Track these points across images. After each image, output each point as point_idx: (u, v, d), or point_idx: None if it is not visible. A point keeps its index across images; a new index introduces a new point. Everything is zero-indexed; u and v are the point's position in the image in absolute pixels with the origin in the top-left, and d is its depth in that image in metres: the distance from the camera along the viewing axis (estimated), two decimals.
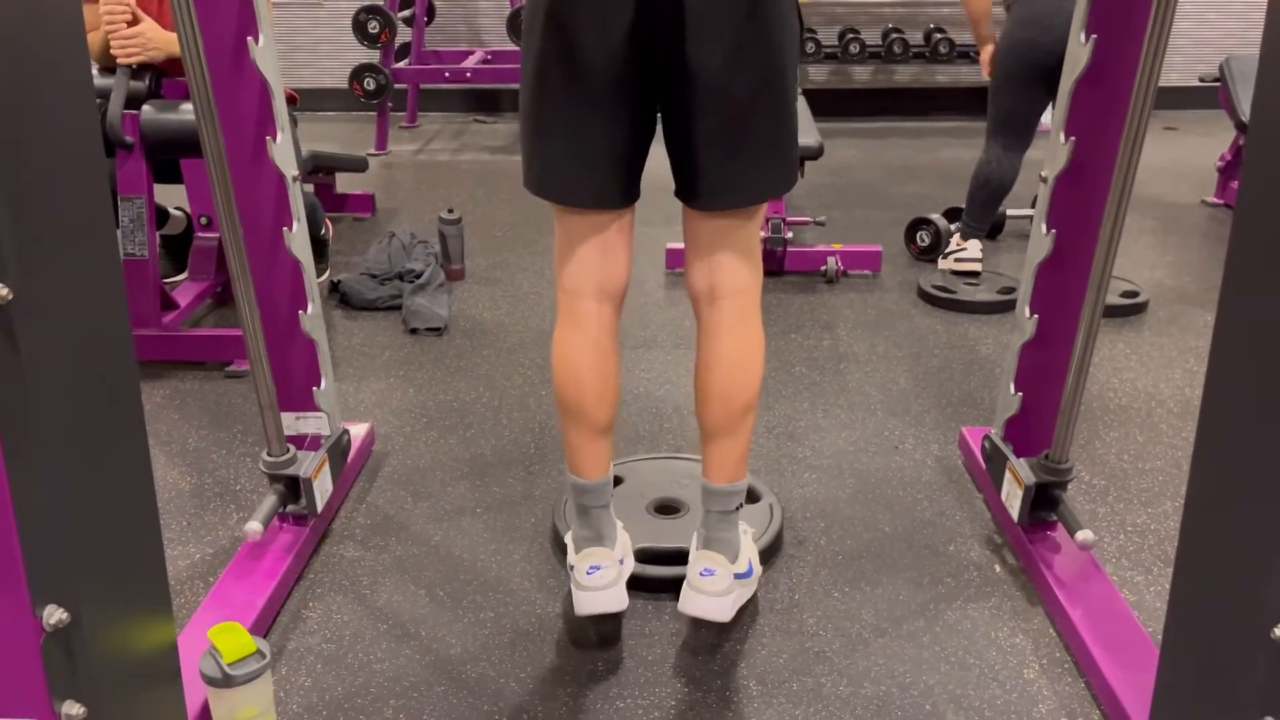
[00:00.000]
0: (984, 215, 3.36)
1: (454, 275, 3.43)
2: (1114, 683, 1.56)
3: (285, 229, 1.87)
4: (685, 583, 1.65)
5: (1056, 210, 1.83)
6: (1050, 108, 3.87)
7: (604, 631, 1.76)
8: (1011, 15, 3.13)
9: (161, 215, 3.22)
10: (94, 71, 2.74)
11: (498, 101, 6.18)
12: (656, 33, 1.41)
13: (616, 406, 1.68)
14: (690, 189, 1.55)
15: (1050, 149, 1.81)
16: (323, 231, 3.47)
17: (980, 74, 3.40)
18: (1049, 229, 1.84)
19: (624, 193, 1.57)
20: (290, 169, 1.84)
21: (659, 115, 1.54)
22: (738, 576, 1.66)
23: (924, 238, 3.58)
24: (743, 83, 1.44)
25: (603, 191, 1.55)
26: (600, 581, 1.63)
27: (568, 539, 1.75)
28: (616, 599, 1.65)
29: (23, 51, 1.03)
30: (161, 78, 2.72)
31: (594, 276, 1.60)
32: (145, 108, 2.64)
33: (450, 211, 3.42)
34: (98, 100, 2.53)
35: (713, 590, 1.62)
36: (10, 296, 1.01)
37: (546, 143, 1.53)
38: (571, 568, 1.68)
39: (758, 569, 1.80)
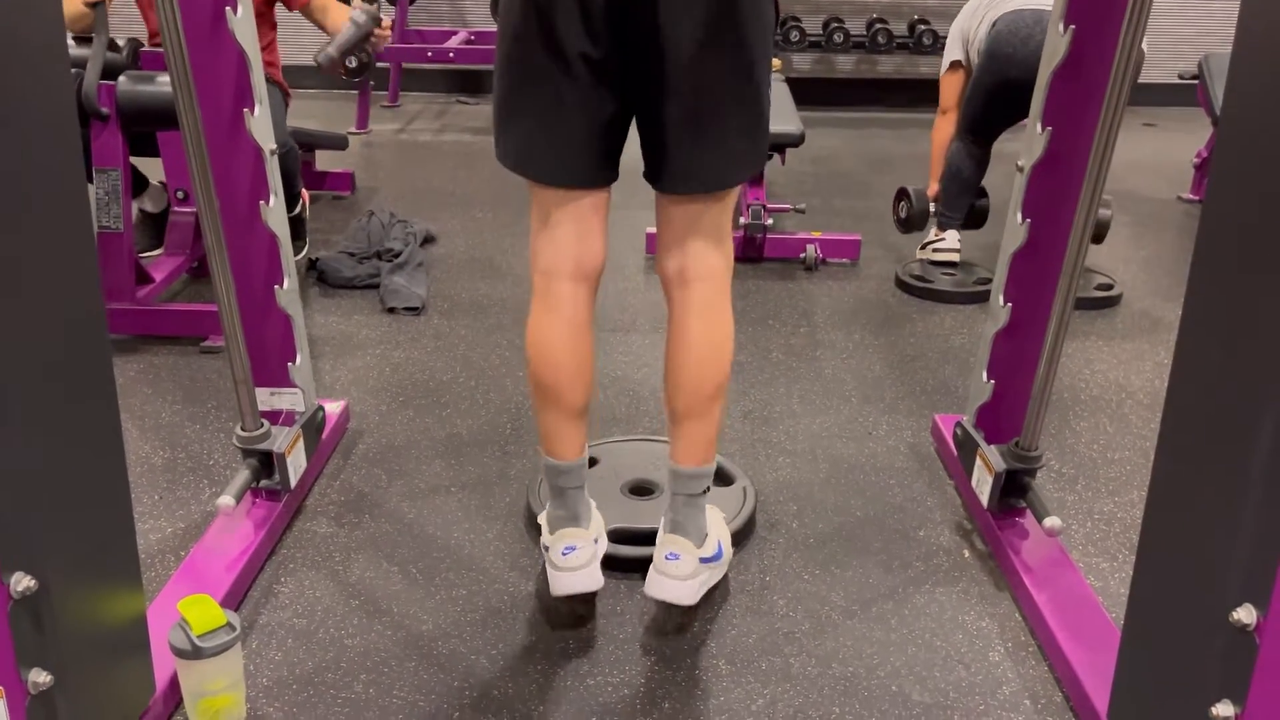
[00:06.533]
0: (958, 205, 3.37)
1: (333, 68, 3.01)
2: (1077, 666, 1.58)
3: (262, 202, 1.86)
4: (651, 565, 1.66)
5: (1032, 200, 1.84)
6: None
7: (576, 610, 1.77)
8: (994, 29, 3.14)
9: (140, 182, 3.18)
10: (70, 41, 2.71)
11: (480, 82, 6.15)
12: (633, 11, 1.41)
13: (592, 388, 1.67)
14: (659, 172, 1.55)
15: (1027, 139, 1.82)
16: (298, 208, 3.44)
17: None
18: (1024, 218, 1.85)
19: (601, 172, 1.57)
20: (268, 143, 1.83)
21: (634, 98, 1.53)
22: (704, 560, 1.67)
23: (903, 209, 3.45)
24: (714, 64, 1.44)
25: (580, 170, 1.55)
26: (575, 562, 1.64)
27: (542, 519, 1.76)
28: (591, 579, 1.66)
29: None
30: (139, 49, 2.69)
31: (570, 257, 1.60)
32: (121, 79, 2.61)
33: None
34: (73, 70, 2.50)
35: (677, 575, 1.63)
36: None
37: (523, 118, 1.52)
38: (546, 548, 1.68)
39: (728, 551, 1.81)
